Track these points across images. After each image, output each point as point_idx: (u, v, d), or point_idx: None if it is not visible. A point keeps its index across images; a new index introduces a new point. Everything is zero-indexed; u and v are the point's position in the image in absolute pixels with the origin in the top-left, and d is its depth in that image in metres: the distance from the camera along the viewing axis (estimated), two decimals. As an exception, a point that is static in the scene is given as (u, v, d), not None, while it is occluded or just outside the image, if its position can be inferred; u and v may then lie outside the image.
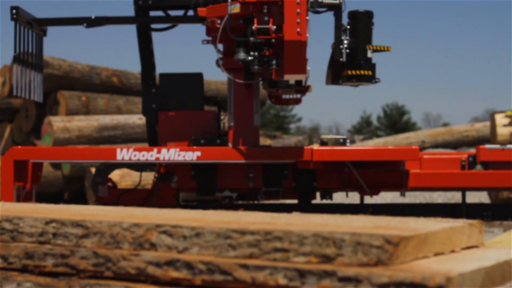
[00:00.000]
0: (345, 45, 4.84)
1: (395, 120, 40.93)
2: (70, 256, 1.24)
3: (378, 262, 1.01)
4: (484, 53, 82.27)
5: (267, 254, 1.08)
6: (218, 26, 4.52)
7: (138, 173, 6.01)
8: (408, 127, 38.49)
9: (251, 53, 4.37)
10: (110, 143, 8.30)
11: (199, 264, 1.11)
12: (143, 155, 4.64)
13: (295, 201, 5.20)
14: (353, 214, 1.27)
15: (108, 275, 1.21)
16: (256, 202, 5.11)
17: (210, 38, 5.06)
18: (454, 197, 8.98)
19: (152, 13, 5.34)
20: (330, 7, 4.76)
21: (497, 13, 79.00)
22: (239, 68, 4.82)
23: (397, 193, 8.37)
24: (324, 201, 5.17)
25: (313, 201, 5.15)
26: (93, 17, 5.21)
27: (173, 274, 1.13)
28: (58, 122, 7.93)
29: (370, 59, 4.89)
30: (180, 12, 5.29)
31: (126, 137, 8.56)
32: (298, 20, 4.14)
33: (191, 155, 4.62)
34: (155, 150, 4.67)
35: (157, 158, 4.64)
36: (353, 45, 4.86)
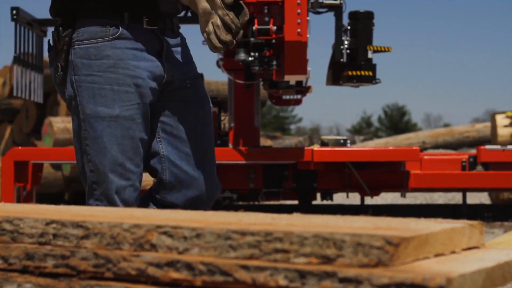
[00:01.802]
0: (346, 46, 4.84)
1: (396, 121, 40.94)
2: (70, 257, 1.24)
3: (379, 263, 1.01)
4: (485, 54, 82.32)
5: (268, 255, 1.08)
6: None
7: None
8: (409, 127, 38.50)
9: (252, 53, 4.37)
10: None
11: (200, 265, 1.11)
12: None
13: (295, 202, 5.20)
14: (353, 215, 1.27)
15: (109, 276, 1.20)
16: (256, 203, 5.11)
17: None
18: (454, 198, 8.98)
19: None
20: (330, 7, 4.76)
21: (497, 13, 79.02)
22: (239, 68, 4.82)
23: (397, 194, 8.37)
24: (325, 202, 5.17)
25: (314, 202, 5.15)
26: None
27: (174, 275, 1.13)
28: (58, 123, 7.94)
29: (370, 59, 4.89)
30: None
31: (127, 138, 8.54)
32: (299, 21, 4.14)
33: (191, 156, 4.61)
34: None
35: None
36: (354, 46, 4.86)
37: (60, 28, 2.38)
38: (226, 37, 2.24)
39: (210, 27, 2.26)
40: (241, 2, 2.27)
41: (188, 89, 2.49)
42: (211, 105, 2.60)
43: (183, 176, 2.50)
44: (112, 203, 2.35)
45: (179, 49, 2.51)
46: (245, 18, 2.26)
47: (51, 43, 2.42)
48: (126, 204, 2.36)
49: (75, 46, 2.35)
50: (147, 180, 6.46)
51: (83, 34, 2.35)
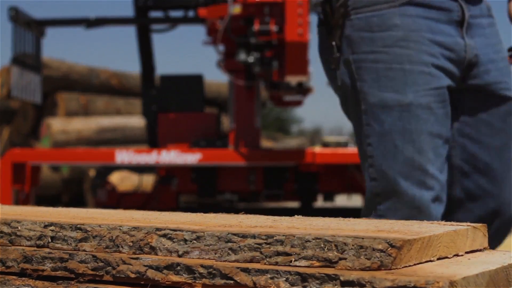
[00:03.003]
0: (346, 47, 4.81)
1: (396, 122, 40.88)
2: (69, 260, 1.23)
3: (381, 266, 0.99)
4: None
5: (269, 258, 1.07)
6: (218, 27, 4.51)
7: (138, 176, 6.00)
8: (409, 129, 38.47)
9: (252, 54, 4.36)
10: (109, 145, 8.28)
11: (200, 268, 1.09)
12: (143, 158, 4.63)
13: (297, 204, 5.19)
14: (355, 218, 1.26)
15: (108, 279, 1.19)
16: (257, 205, 5.10)
17: (210, 39, 5.05)
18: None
19: (152, 14, 5.33)
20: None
21: (498, 14, 79.04)
22: (240, 69, 4.81)
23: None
24: (326, 204, 5.16)
25: (315, 204, 5.14)
26: (92, 18, 5.19)
27: (174, 278, 1.12)
28: (56, 124, 7.92)
29: (371, 60, 4.87)
30: (180, 13, 5.28)
31: (126, 139, 8.54)
32: (300, 21, 4.13)
33: (191, 158, 4.61)
34: (155, 152, 4.66)
35: (157, 161, 4.63)
36: (354, 47, 4.84)
37: None
38: None
39: None
40: None
41: (495, 77, 1.93)
42: None
43: (476, 191, 1.95)
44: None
45: (484, 20, 1.96)
46: None
47: (322, 17, 1.93)
48: None
49: (352, 17, 1.86)
50: (147, 182, 6.45)
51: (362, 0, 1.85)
